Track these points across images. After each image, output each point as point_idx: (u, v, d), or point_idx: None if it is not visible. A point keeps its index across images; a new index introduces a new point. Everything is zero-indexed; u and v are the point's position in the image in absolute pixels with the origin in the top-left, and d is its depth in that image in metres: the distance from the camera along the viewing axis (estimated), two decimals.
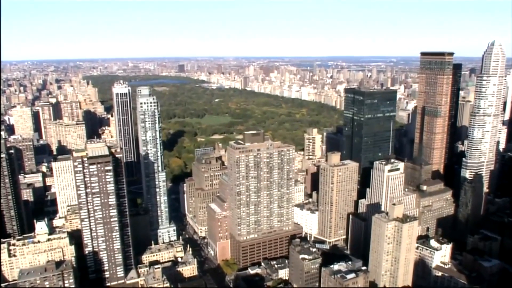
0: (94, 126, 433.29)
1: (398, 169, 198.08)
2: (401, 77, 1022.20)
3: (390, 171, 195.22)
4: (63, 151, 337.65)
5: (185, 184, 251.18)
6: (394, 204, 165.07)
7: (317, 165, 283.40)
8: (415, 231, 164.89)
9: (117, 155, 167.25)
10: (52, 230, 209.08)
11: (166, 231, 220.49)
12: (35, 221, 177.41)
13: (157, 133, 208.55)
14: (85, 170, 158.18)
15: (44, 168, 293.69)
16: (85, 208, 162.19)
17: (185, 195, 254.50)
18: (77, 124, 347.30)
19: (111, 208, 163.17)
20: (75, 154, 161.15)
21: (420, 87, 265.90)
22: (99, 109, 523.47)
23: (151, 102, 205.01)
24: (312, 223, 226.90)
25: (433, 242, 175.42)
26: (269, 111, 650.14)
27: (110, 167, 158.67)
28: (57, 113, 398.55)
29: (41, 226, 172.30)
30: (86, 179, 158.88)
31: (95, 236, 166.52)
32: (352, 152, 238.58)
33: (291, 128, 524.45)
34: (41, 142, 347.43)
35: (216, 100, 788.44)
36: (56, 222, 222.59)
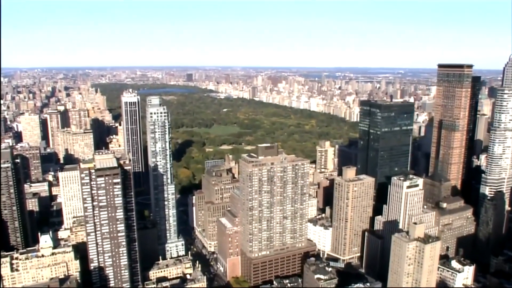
0: (102, 134, 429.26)
1: (417, 185, 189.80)
2: (411, 88, 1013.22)
3: (408, 187, 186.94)
4: (70, 159, 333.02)
5: (194, 197, 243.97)
6: (415, 223, 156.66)
7: (330, 178, 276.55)
8: (438, 252, 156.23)
9: (125, 167, 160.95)
10: (56, 242, 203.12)
11: (174, 245, 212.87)
12: (39, 234, 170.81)
13: (167, 144, 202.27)
14: (92, 183, 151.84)
15: (50, 177, 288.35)
16: (92, 221, 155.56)
17: (193, 208, 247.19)
18: (84, 132, 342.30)
19: (118, 222, 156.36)
20: (82, 166, 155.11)
21: (437, 100, 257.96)
22: (107, 118, 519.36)
23: (161, 112, 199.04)
24: (325, 240, 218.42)
25: (454, 263, 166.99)
26: (278, 121, 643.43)
27: (118, 180, 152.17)
28: (65, 121, 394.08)
29: (45, 240, 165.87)
30: (93, 191, 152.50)
31: (101, 251, 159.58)
32: (367, 166, 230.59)
33: (301, 139, 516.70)
34: (48, 150, 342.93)
35: (224, 110, 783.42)
36: (61, 233, 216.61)
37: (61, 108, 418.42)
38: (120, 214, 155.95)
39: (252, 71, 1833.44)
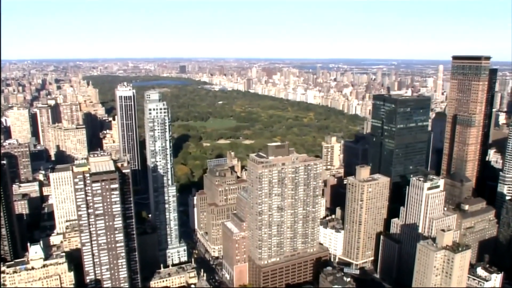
0: (95, 129, 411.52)
1: (438, 187, 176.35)
2: (407, 80, 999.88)
3: (429, 188, 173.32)
4: (62, 157, 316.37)
5: (195, 197, 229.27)
6: (443, 230, 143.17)
7: (337, 176, 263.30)
8: (468, 262, 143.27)
9: (123, 170, 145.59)
10: (48, 249, 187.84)
11: (176, 251, 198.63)
12: (29, 244, 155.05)
13: (167, 142, 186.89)
14: (87, 188, 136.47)
15: (41, 177, 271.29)
16: (87, 231, 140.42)
17: (195, 209, 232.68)
18: (77, 128, 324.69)
19: (116, 232, 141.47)
20: (75, 169, 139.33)
21: (451, 94, 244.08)
22: (100, 111, 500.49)
23: (161, 108, 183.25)
24: (336, 243, 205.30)
25: (480, 271, 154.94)
26: (276, 114, 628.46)
27: (116, 185, 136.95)
28: (56, 115, 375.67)
29: (35, 250, 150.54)
30: (88, 198, 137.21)
31: (98, 263, 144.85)
32: (380, 164, 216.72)
33: (300, 133, 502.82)
34: (39, 147, 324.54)
35: (220, 102, 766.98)
36: (53, 239, 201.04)
37: (52, 102, 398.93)
38: (118, 222, 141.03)
39: (245, 63, 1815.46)
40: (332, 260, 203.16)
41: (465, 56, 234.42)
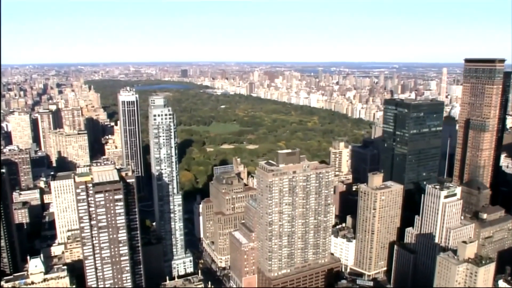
0: (96, 135, 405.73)
1: (455, 195, 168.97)
2: (411, 84, 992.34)
3: (446, 197, 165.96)
4: (63, 163, 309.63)
5: (200, 205, 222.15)
6: (465, 242, 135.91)
7: (346, 183, 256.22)
8: (492, 275, 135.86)
9: (128, 180, 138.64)
10: (49, 260, 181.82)
11: (182, 262, 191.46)
12: (28, 257, 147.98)
13: (173, 149, 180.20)
14: (89, 199, 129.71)
15: (42, 184, 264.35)
16: (90, 244, 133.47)
17: (200, 218, 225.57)
18: (78, 133, 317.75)
19: (121, 245, 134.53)
20: (77, 179, 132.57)
21: (464, 98, 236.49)
22: (102, 116, 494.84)
23: (166, 114, 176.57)
24: (348, 253, 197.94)
25: (502, 283, 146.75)
26: (279, 119, 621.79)
27: (120, 196, 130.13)
28: (57, 121, 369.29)
29: (35, 264, 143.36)
30: (91, 209, 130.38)
31: (101, 277, 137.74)
32: (392, 171, 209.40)
33: (305, 137, 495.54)
34: (40, 153, 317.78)
35: (222, 106, 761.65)
36: (55, 249, 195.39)
37: (53, 107, 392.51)
38: (123, 235, 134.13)
39: (246, 67, 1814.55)
40: (343, 270, 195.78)
41: (478, 59, 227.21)
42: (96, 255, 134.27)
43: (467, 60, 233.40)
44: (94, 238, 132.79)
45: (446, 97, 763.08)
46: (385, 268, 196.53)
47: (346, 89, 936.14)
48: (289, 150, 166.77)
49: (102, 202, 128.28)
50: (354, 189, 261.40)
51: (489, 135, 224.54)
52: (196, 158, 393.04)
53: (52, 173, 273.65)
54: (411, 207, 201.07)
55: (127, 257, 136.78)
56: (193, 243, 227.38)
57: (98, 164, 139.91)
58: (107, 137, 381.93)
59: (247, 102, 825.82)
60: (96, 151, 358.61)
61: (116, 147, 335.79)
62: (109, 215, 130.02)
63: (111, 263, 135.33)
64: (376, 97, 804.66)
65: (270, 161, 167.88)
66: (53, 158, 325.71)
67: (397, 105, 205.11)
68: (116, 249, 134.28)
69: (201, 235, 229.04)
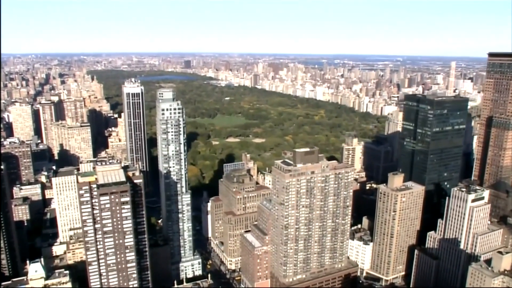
0: (99, 127, 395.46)
1: (482, 198, 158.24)
2: (417, 77, 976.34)
3: (473, 200, 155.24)
4: (66, 156, 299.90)
5: (209, 204, 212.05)
6: (500, 253, 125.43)
7: (360, 181, 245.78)
8: None
9: (135, 180, 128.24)
10: (51, 261, 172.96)
11: (190, 264, 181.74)
12: (28, 262, 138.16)
13: (182, 146, 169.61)
14: (94, 201, 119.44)
15: (43, 178, 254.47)
16: (94, 249, 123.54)
17: (208, 216, 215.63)
18: (81, 126, 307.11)
19: (128, 251, 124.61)
20: (81, 179, 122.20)
21: (487, 94, 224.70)
22: (105, 107, 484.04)
23: (175, 109, 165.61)
24: (364, 256, 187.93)
25: None
26: (285, 112, 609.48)
27: (127, 198, 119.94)
28: (59, 112, 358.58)
29: (35, 269, 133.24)
30: (95, 212, 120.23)
31: (106, 284, 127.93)
32: (412, 171, 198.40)
33: (312, 131, 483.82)
34: (41, 146, 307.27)
35: (227, 98, 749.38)
36: (56, 249, 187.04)
37: (55, 98, 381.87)
38: (129, 240, 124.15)
39: (249, 58, 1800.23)
40: (359, 274, 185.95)
41: (504, 53, 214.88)
42: (100, 261, 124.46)
43: (491, 54, 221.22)
44: (98, 243, 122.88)
45: (454, 91, 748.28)
46: (403, 273, 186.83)
47: (351, 82, 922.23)
48: (307, 149, 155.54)
49: (108, 205, 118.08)
50: (368, 187, 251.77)
51: None
52: (202, 152, 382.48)
53: (54, 167, 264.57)
54: (432, 209, 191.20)
55: (133, 264, 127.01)
56: (200, 243, 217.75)
57: (103, 163, 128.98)
58: (110, 129, 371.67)
59: (251, 94, 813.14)
60: (99, 144, 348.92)
61: (120, 140, 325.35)
62: (115, 219, 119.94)
63: (117, 269, 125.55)
64: (383, 90, 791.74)
65: (286, 160, 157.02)
66: (55, 151, 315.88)
67: (419, 101, 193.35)
68: (122, 255, 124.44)
69: (209, 235, 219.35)
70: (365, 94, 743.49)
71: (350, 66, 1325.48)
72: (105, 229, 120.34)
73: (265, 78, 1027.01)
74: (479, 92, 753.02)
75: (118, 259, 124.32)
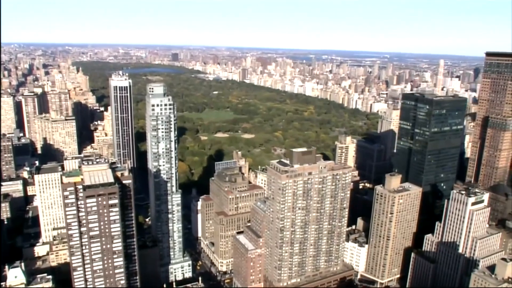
0: (85, 120, 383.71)
1: (482, 201, 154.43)
2: (406, 74, 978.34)
3: (473, 203, 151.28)
4: (49, 151, 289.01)
5: (199, 203, 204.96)
6: (504, 260, 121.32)
7: (353, 180, 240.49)
8: None
9: (124, 181, 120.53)
10: (33, 263, 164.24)
11: (180, 266, 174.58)
12: (7, 267, 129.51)
13: (172, 144, 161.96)
14: (79, 203, 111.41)
15: (25, 174, 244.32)
16: (79, 253, 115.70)
17: (198, 215, 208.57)
18: (66, 119, 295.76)
19: (115, 256, 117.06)
20: (65, 180, 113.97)
21: (483, 94, 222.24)
22: (91, 100, 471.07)
23: (165, 104, 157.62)
24: (359, 258, 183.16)
25: None
26: (274, 107, 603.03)
27: (116, 201, 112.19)
28: (43, 105, 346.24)
29: (15, 274, 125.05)
30: (81, 214, 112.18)
31: None
32: (408, 172, 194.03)
33: (302, 128, 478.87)
34: (23, 140, 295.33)
35: (215, 92, 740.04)
36: (38, 249, 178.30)
37: (39, 90, 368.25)
38: (118, 245, 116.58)
39: (237, 52, 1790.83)
40: (353, 277, 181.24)
41: (502, 52, 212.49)
42: (86, 267, 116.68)
43: (489, 54, 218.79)
44: (84, 247, 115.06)
45: (442, 89, 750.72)
46: (398, 276, 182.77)
47: (340, 78, 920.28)
48: (304, 149, 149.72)
49: (95, 208, 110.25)
50: (361, 187, 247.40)
51: (509, 135, 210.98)
52: (190, 148, 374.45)
53: (36, 162, 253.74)
54: (427, 210, 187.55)
55: (122, 270, 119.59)
56: (190, 243, 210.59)
57: (90, 162, 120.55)
58: (96, 123, 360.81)
59: (240, 89, 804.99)
60: (85, 138, 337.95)
61: (106, 135, 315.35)
62: (102, 223, 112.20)
63: (104, 276, 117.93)
64: (371, 87, 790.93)
65: (282, 160, 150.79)
66: (38, 146, 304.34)
67: (417, 100, 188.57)
68: (109, 261, 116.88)
69: (199, 234, 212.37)
70: (354, 90, 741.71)
71: (339, 62, 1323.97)
72: (91, 233, 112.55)
73: (254, 72, 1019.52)
74: (466, 90, 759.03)
75: (105, 265, 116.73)
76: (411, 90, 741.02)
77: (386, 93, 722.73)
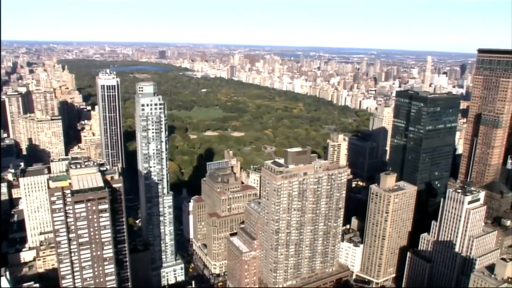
0: (71, 120, 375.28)
1: (478, 200, 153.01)
2: (394, 71, 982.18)
3: (470, 202, 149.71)
4: (35, 152, 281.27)
5: (191, 204, 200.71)
6: (504, 259, 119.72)
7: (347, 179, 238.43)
8: None
9: (114, 185, 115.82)
10: (18, 269, 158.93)
11: (172, 269, 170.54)
12: None
13: (163, 144, 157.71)
14: (67, 208, 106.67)
15: (10, 176, 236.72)
16: (68, 261, 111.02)
17: (190, 217, 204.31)
18: (52, 119, 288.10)
19: (106, 263, 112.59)
20: (52, 184, 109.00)
21: (475, 91, 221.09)
22: (77, 99, 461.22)
23: (156, 104, 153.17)
24: (354, 258, 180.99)
25: None
26: (264, 105, 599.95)
27: (106, 206, 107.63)
28: (28, 104, 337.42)
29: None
30: (69, 220, 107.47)
31: None
32: (402, 170, 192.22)
33: (291, 125, 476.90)
34: (7, 141, 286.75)
35: (203, 90, 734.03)
36: (25, 255, 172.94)
37: (23, 89, 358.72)
38: (108, 251, 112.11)
39: (225, 49, 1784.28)
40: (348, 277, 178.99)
41: (494, 49, 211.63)
42: (75, 274, 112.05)
43: (481, 51, 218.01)
44: (73, 255, 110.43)
45: (430, 85, 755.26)
46: (394, 275, 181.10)
47: (328, 74, 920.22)
48: (299, 149, 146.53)
49: (84, 214, 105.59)
50: (354, 185, 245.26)
51: (501, 132, 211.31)
52: (180, 147, 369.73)
53: (22, 163, 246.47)
54: (421, 208, 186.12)
55: (113, 277, 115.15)
56: (182, 245, 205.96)
57: (78, 165, 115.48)
58: (83, 122, 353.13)
59: (228, 86, 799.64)
60: (72, 138, 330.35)
61: (93, 134, 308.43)
62: (91, 229, 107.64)
63: (94, 283, 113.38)
64: (360, 84, 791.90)
65: (276, 160, 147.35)
66: (23, 146, 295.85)
67: (412, 98, 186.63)
68: (100, 268, 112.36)
69: (191, 236, 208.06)
70: (343, 87, 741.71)
71: (326, 59, 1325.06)
72: (80, 240, 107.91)
73: (242, 69, 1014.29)
74: (454, 86, 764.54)
75: (96, 272, 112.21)
76: (399, 86, 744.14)
77: (375, 90, 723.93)
